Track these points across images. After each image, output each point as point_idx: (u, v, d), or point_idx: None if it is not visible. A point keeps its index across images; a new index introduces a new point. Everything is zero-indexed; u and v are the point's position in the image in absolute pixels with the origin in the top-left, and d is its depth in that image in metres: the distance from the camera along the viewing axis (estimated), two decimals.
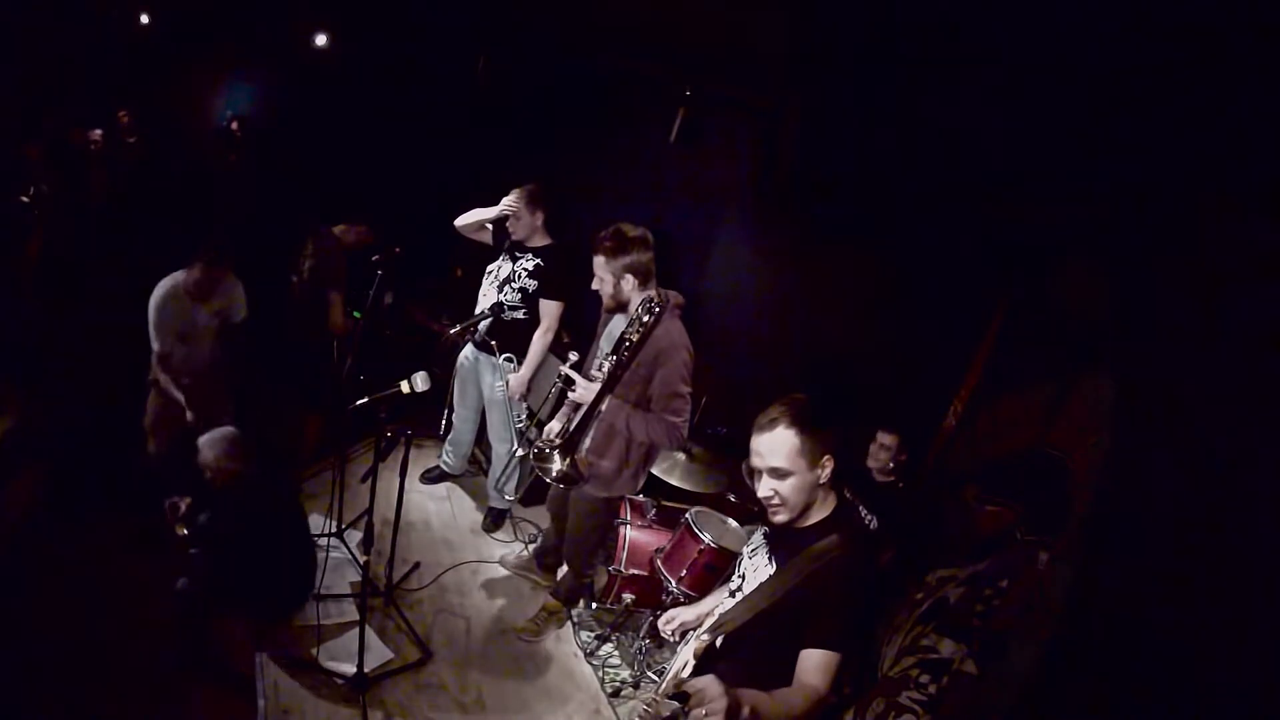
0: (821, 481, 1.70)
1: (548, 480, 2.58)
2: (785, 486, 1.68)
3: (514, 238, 3.43)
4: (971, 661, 2.02)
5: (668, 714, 1.83)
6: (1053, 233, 2.30)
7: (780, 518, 1.72)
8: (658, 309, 2.54)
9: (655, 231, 2.67)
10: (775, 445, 1.66)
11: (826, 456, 1.67)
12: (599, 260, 2.62)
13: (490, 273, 3.56)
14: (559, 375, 2.72)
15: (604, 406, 2.55)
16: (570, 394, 2.65)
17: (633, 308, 2.63)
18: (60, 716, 2.39)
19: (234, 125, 6.42)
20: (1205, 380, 1.82)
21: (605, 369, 2.55)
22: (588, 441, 2.70)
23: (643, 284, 2.63)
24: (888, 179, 2.88)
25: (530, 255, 3.42)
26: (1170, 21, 1.85)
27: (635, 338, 2.53)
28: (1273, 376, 1.69)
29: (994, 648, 1.98)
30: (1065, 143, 2.21)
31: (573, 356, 2.73)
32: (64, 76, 6.02)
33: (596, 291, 2.71)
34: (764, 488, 1.70)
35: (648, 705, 1.85)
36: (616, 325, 2.74)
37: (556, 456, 2.51)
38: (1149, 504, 1.84)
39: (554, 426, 2.78)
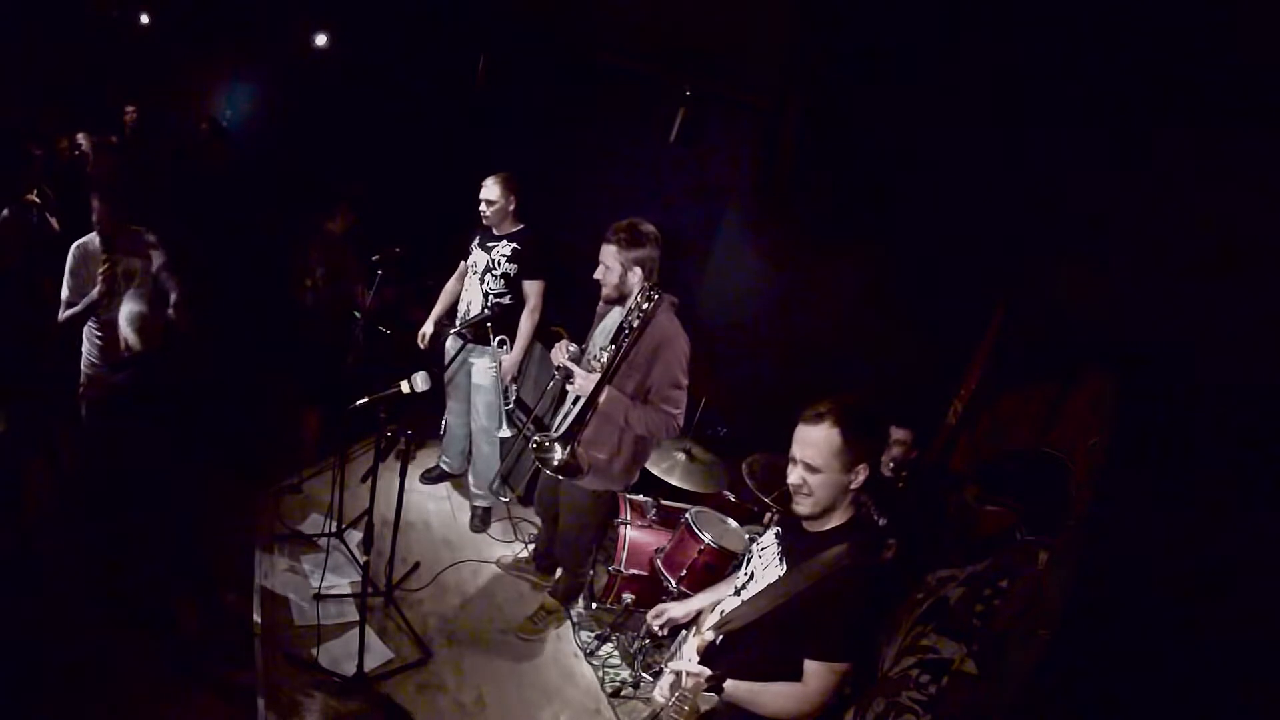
0: (852, 486, 1.70)
1: (548, 471, 2.58)
2: (815, 480, 1.69)
3: (485, 224, 3.47)
4: (971, 661, 2.02)
5: (706, 708, 1.80)
6: (1053, 233, 2.30)
7: (803, 508, 1.73)
8: (656, 296, 2.55)
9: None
10: (816, 441, 1.67)
11: (863, 464, 1.68)
12: (610, 250, 2.62)
13: (470, 267, 3.57)
14: (556, 369, 2.72)
15: (602, 397, 2.55)
16: (569, 386, 2.67)
17: (631, 301, 2.64)
18: (60, 717, 2.39)
19: (204, 125, 6.38)
20: (1205, 380, 1.82)
21: (604, 360, 2.56)
22: (586, 433, 2.69)
23: (646, 280, 2.65)
24: (888, 179, 2.88)
25: (505, 241, 3.46)
26: (1170, 22, 1.85)
27: (635, 324, 2.54)
28: (1272, 375, 1.69)
29: (994, 648, 1.98)
30: (1065, 142, 2.22)
31: (571, 348, 2.71)
32: (64, 77, 6.02)
33: (596, 281, 2.71)
34: (794, 475, 1.72)
35: (678, 699, 1.73)
36: (611, 319, 2.76)
37: (557, 447, 2.53)
38: (1149, 504, 1.84)
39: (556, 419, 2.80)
